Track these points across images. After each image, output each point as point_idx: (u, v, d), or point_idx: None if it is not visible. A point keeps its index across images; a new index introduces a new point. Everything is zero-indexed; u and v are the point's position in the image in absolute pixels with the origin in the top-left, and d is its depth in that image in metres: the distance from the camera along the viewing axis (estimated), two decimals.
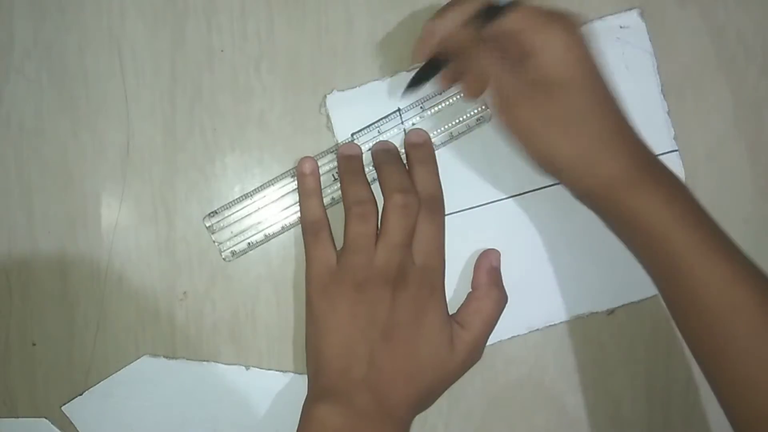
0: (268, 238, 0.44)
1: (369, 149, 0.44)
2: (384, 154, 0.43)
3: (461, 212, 0.44)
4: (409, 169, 0.43)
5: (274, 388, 0.45)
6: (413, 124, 0.44)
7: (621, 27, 0.44)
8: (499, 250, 0.44)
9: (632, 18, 0.43)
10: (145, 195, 0.45)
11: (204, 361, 0.45)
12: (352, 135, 0.44)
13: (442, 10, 0.39)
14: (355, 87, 0.44)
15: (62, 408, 0.45)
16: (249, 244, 0.44)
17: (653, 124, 0.43)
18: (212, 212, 0.44)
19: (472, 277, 0.43)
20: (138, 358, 0.45)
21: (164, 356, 0.45)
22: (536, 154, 0.39)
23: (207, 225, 0.44)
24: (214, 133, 0.45)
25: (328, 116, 0.44)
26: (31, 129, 0.45)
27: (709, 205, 0.43)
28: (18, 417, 0.45)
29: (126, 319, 0.45)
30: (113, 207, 0.45)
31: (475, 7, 0.38)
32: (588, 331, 0.44)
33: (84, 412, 0.45)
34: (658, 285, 0.39)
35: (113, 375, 0.45)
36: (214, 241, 0.44)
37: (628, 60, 0.42)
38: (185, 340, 0.45)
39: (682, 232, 0.36)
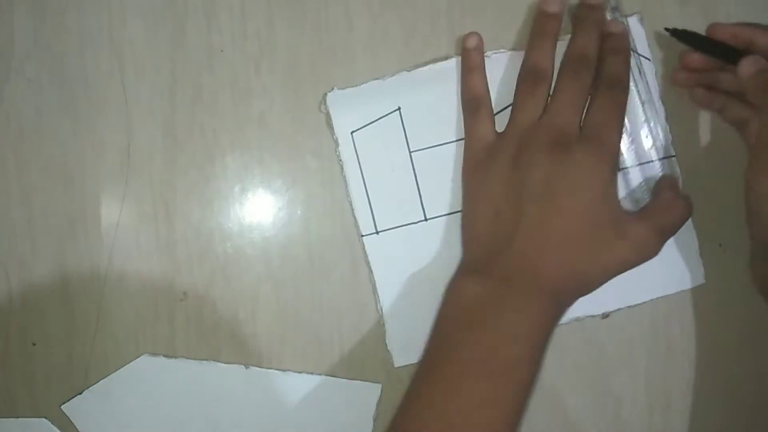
0: None
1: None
2: (583, 20, 0.41)
3: (448, 215, 0.44)
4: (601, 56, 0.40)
5: (274, 387, 0.45)
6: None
7: None
8: None
9: (632, 24, 0.43)
10: (145, 195, 0.45)
11: (204, 360, 0.45)
12: (352, 134, 0.44)
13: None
14: (356, 86, 0.44)
15: (62, 407, 0.45)
16: None
17: (651, 130, 0.43)
18: None
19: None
20: (137, 357, 0.45)
21: (164, 355, 0.45)
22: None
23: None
24: (214, 133, 0.45)
25: (328, 114, 0.44)
26: (31, 129, 0.45)
27: (709, 206, 0.43)
28: (18, 417, 0.45)
29: (126, 318, 0.45)
30: (113, 207, 0.45)
31: None
32: (587, 332, 0.44)
33: (84, 411, 0.45)
34: None
35: (113, 374, 0.45)
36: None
37: None
38: (185, 339, 0.45)
39: None
